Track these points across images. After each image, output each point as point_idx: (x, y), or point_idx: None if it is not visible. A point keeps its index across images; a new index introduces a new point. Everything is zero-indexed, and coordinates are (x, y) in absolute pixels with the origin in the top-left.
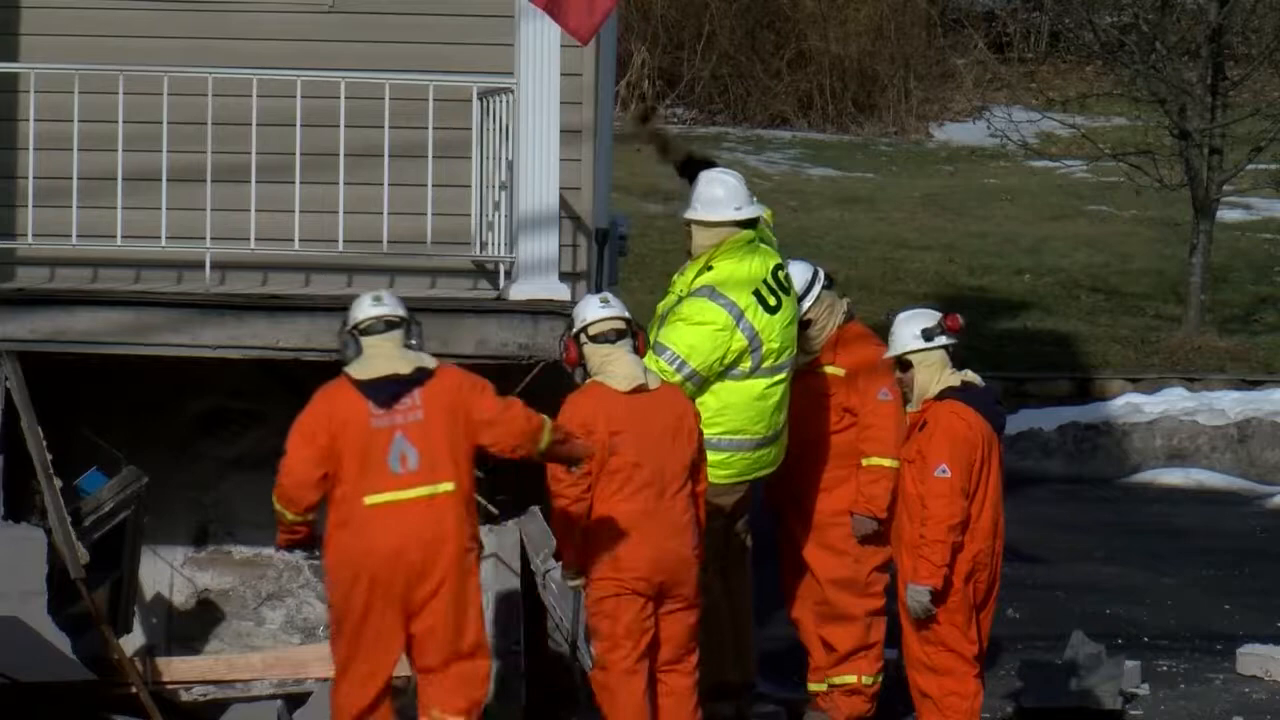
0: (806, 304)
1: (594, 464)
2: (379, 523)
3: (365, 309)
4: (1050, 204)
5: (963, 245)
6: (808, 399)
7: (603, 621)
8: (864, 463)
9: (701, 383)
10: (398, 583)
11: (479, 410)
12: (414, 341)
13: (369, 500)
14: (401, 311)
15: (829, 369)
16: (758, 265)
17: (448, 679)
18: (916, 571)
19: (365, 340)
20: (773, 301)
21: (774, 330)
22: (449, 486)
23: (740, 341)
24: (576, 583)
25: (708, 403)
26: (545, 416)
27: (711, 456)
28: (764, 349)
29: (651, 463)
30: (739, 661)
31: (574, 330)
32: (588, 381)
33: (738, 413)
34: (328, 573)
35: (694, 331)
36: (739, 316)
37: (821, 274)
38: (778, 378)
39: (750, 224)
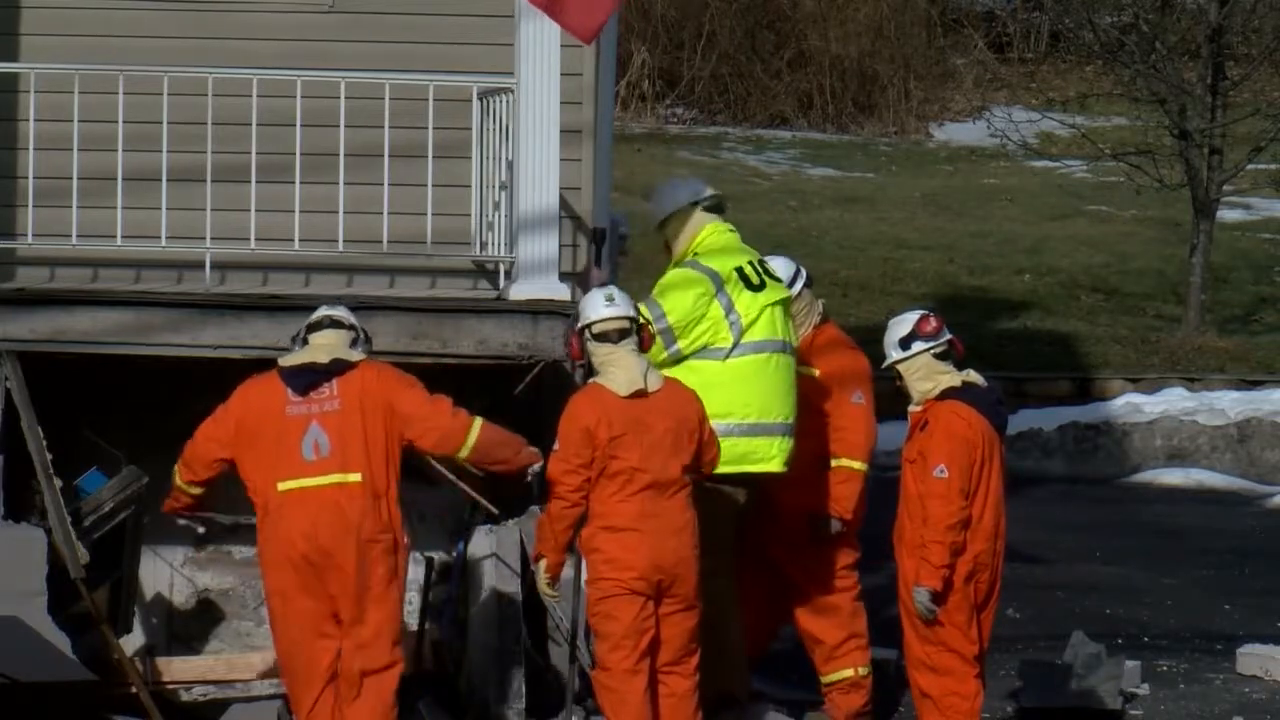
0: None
1: (593, 468)
2: (291, 508)
3: (320, 311)
4: (1050, 204)
5: (963, 245)
6: None
7: (603, 622)
8: (833, 464)
9: (675, 346)
10: (312, 568)
11: (401, 403)
12: (358, 351)
13: (281, 486)
14: (353, 320)
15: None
16: (741, 249)
17: (356, 688)
18: (918, 573)
19: (311, 335)
20: (756, 280)
21: (754, 307)
22: (356, 477)
23: (716, 310)
24: (555, 593)
25: (688, 380)
26: (477, 417)
27: None
28: (742, 322)
29: (652, 466)
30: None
31: (578, 326)
32: (588, 383)
33: (722, 393)
34: (260, 564)
35: (676, 291)
36: (720, 285)
37: (804, 272)
38: (764, 355)
39: (717, 209)
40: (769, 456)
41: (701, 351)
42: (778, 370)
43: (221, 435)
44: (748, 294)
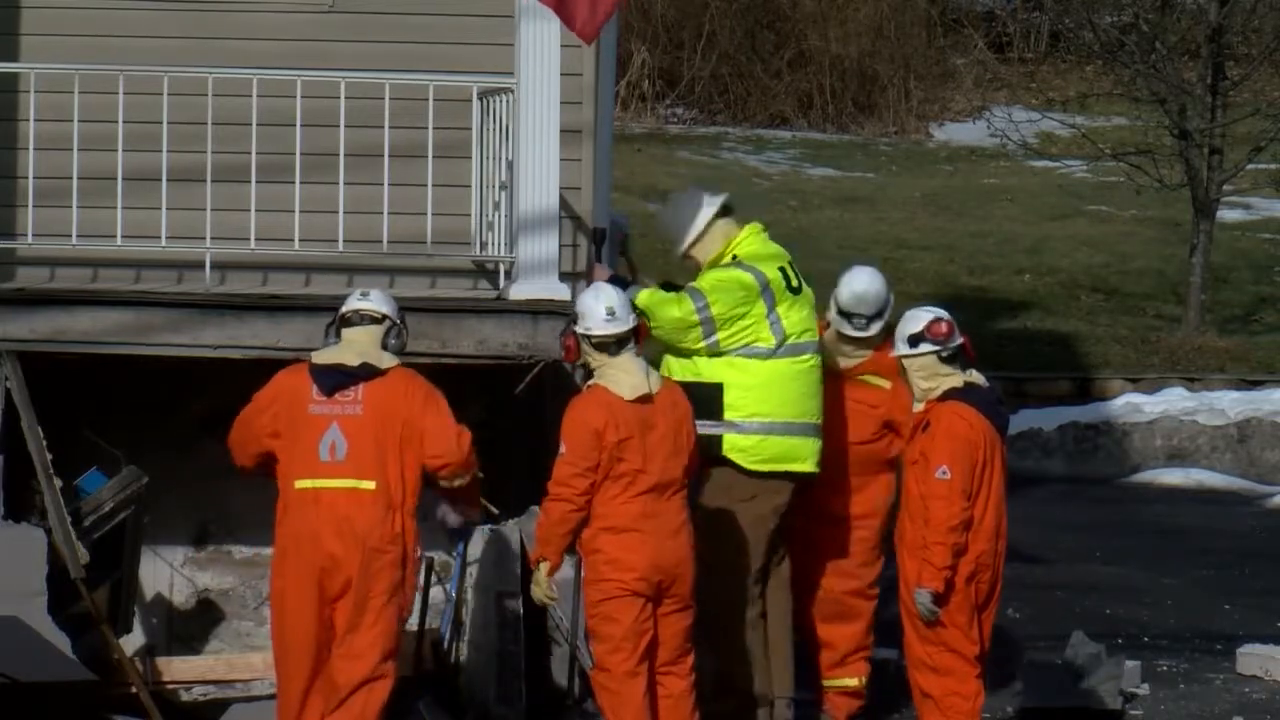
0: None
1: (599, 471)
2: (304, 507)
3: (351, 302)
4: (1050, 204)
5: (963, 245)
6: (841, 403)
7: (602, 624)
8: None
9: (714, 337)
10: (314, 569)
11: (425, 423)
12: (392, 342)
13: (298, 484)
14: (385, 310)
15: (872, 379)
16: (779, 249)
17: (340, 697)
18: (919, 574)
19: (344, 331)
20: (795, 282)
21: (794, 308)
22: (370, 485)
23: (760, 309)
24: (554, 595)
25: (732, 379)
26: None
27: (739, 441)
28: (783, 324)
29: (654, 467)
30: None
31: (576, 329)
32: (590, 385)
33: (764, 393)
34: (272, 557)
35: (722, 286)
36: (764, 285)
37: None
38: (803, 358)
39: (728, 210)
40: (805, 456)
41: (745, 349)
42: (812, 372)
43: (254, 429)
44: (789, 296)
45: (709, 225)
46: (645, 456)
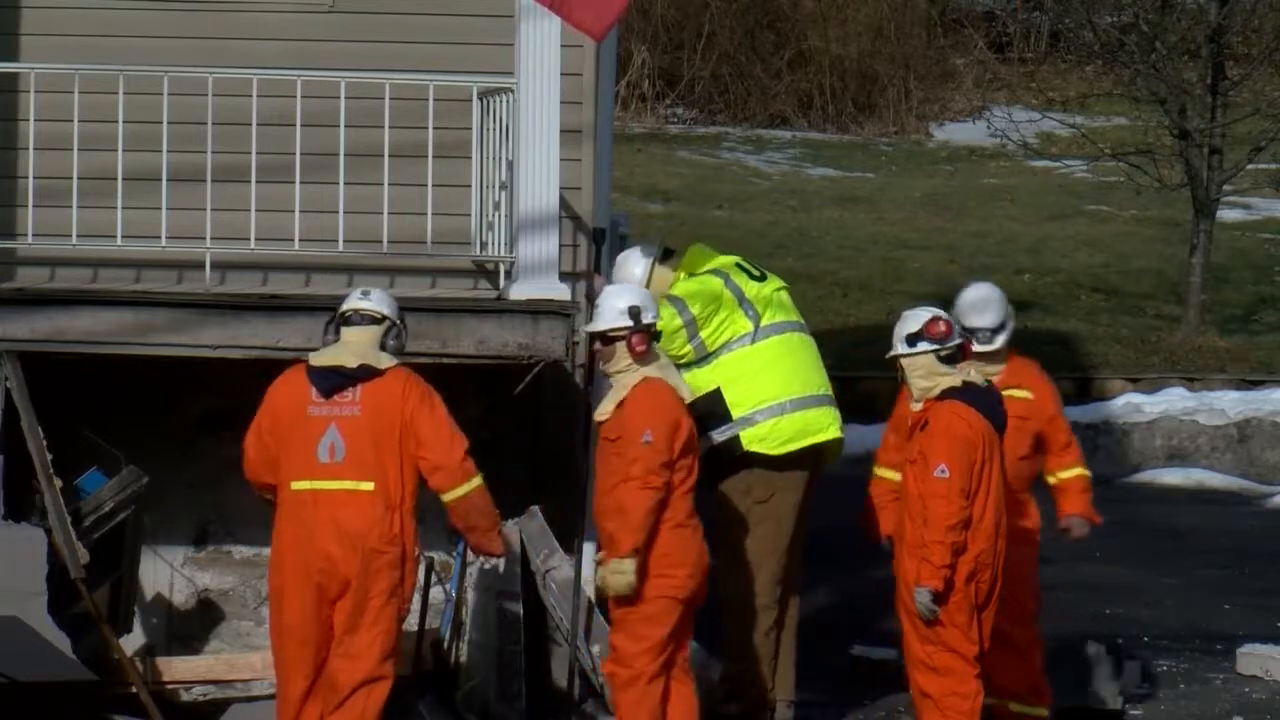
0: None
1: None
2: (301, 508)
3: (351, 300)
4: (1050, 204)
5: (963, 245)
6: None
7: (645, 624)
8: (1068, 475)
9: (698, 339)
10: (313, 571)
11: (418, 423)
12: (391, 342)
13: (294, 485)
14: (385, 310)
15: (1015, 392)
16: (730, 255)
17: (340, 698)
18: (919, 573)
19: (344, 330)
20: (756, 272)
21: (760, 292)
22: (369, 486)
23: (730, 299)
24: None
25: (726, 378)
26: (479, 476)
27: (755, 433)
28: (756, 308)
29: (693, 470)
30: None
31: (622, 330)
32: (647, 379)
33: (762, 379)
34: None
35: (694, 287)
36: (726, 278)
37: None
38: (786, 335)
39: (668, 253)
40: (826, 425)
41: (727, 345)
42: (803, 347)
43: (264, 457)
44: (753, 284)
45: (651, 273)
46: (690, 457)
